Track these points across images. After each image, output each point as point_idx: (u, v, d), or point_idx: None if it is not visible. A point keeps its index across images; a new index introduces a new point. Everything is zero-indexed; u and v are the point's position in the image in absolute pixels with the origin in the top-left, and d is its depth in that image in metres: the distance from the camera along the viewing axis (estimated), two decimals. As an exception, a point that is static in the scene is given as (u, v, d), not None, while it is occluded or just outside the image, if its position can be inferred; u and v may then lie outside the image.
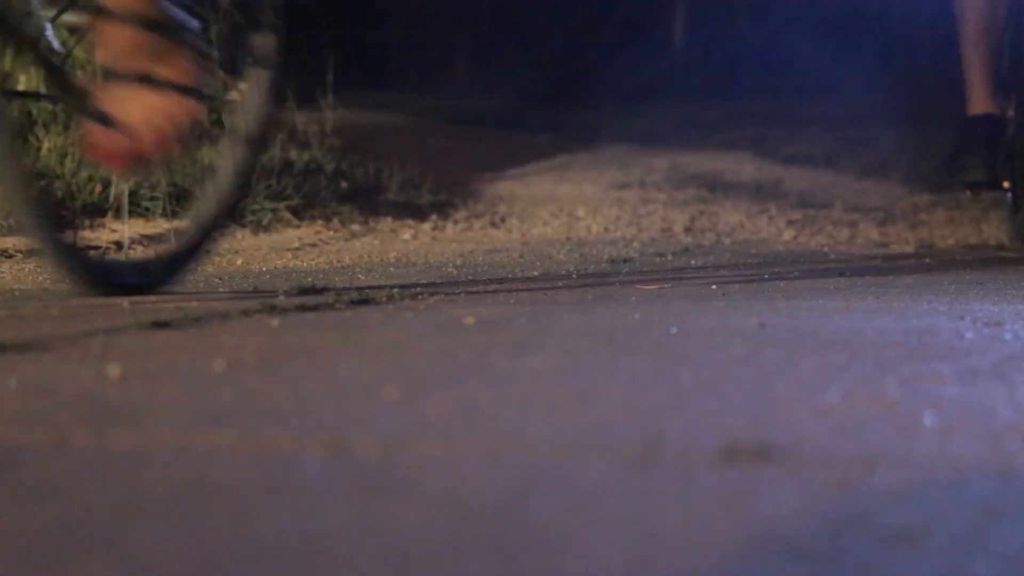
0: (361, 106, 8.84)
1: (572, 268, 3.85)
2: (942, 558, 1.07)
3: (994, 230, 5.60)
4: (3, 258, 4.19)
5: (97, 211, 4.98)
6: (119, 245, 4.63)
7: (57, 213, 4.79)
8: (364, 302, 2.89)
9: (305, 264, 4.04)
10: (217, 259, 4.21)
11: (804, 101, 10.39)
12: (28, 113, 6.00)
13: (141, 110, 2.99)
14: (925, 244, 5.13)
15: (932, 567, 1.05)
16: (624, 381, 1.87)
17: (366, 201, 5.91)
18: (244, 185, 3.11)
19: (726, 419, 1.61)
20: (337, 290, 3.10)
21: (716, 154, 8.09)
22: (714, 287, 3.29)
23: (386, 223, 5.55)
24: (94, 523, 1.16)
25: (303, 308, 2.74)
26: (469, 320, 2.52)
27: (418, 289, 3.19)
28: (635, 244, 4.90)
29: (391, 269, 3.84)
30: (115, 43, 3.00)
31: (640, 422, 1.58)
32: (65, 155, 5.31)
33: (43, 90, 6.22)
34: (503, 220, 5.71)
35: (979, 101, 4.88)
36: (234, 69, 3.72)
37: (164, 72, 3.03)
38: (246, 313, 2.65)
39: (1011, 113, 5.05)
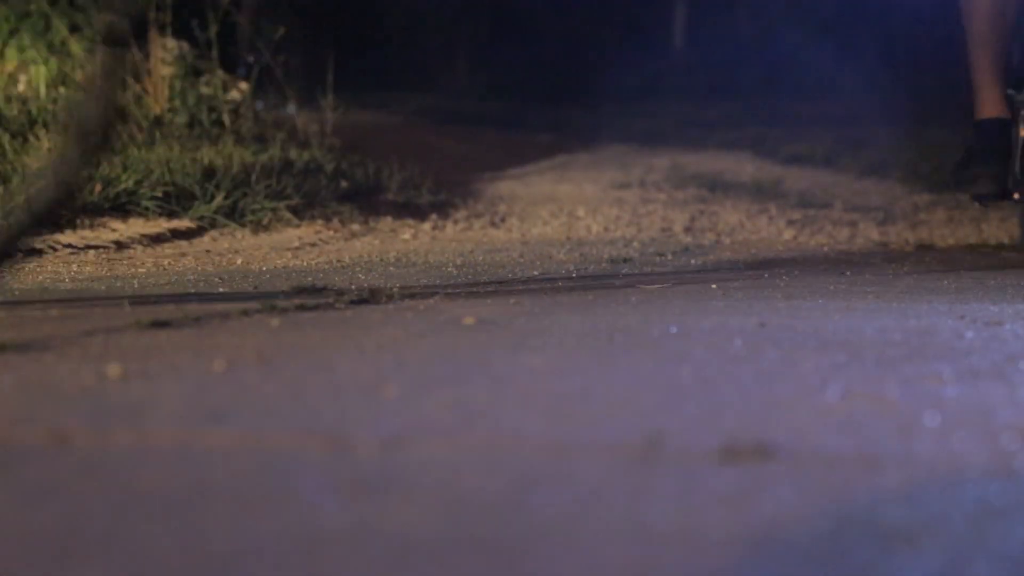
0: (361, 106, 8.84)
1: (572, 268, 3.85)
2: (942, 557, 1.07)
3: (994, 230, 5.60)
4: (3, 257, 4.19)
5: (96, 210, 4.97)
6: (119, 245, 4.62)
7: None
8: (364, 301, 2.89)
9: (305, 263, 4.04)
10: (217, 258, 4.21)
11: (804, 101, 10.39)
12: (28, 113, 6.00)
13: None
14: (925, 244, 5.13)
15: (932, 566, 1.05)
16: (624, 380, 1.87)
17: (366, 201, 5.90)
18: (68, 186, 2.59)
19: (726, 418, 1.61)
20: (337, 290, 3.10)
21: (716, 154, 8.09)
22: (714, 287, 3.29)
23: (386, 223, 5.55)
24: (94, 522, 1.16)
25: (303, 307, 2.74)
26: (469, 320, 2.52)
27: (418, 289, 3.19)
28: (635, 244, 4.90)
29: (391, 268, 3.83)
30: None
31: (640, 421, 1.58)
32: (65, 155, 5.31)
33: (45, 88, 6.23)
34: (503, 220, 5.71)
35: (988, 104, 4.68)
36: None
37: None
38: (246, 312, 2.65)
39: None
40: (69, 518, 1.17)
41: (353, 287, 3.21)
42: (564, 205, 6.19)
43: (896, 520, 1.17)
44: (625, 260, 4.15)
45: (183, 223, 5.06)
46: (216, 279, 3.49)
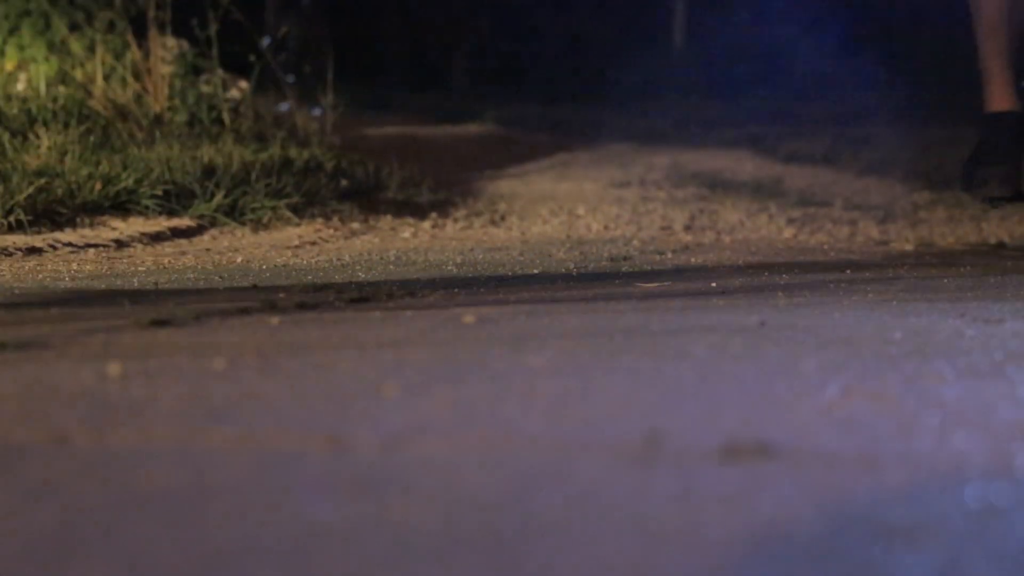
0: (361, 104, 8.84)
1: (572, 266, 3.85)
2: (942, 556, 1.07)
3: (994, 228, 5.60)
4: (3, 256, 4.19)
5: (96, 209, 4.97)
6: (119, 243, 4.62)
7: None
8: (364, 300, 2.89)
9: (305, 262, 4.03)
10: (217, 257, 4.21)
11: (804, 99, 10.38)
12: (28, 111, 6.00)
13: None
14: (925, 242, 5.13)
15: (932, 564, 1.05)
16: (624, 379, 1.87)
17: (366, 199, 5.90)
18: None
19: (726, 417, 1.61)
20: (337, 288, 3.10)
21: (716, 152, 8.09)
22: (714, 285, 3.29)
23: (386, 221, 5.55)
24: (94, 521, 1.16)
25: (303, 306, 2.74)
26: (469, 318, 2.52)
27: (418, 287, 3.19)
28: (635, 242, 4.90)
29: (391, 267, 3.83)
30: None
31: (640, 420, 1.58)
32: (65, 153, 5.31)
33: (45, 87, 6.23)
34: (503, 218, 5.70)
35: (998, 97, 4.31)
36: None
37: None
38: (246, 311, 2.65)
39: None
40: (69, 517, 1.17)
41: (353, 285, 3.21)
42: (564, 204, 6.19)
43: (896, 519, 1.17)
44: (625, 258, 4.15)
45: (183, 221, 5.06)
46: (216, 277, 3.49)
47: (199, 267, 3.86)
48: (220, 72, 6.42)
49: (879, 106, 9.86)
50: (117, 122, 6.04)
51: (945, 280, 3.55)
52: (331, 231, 5.22)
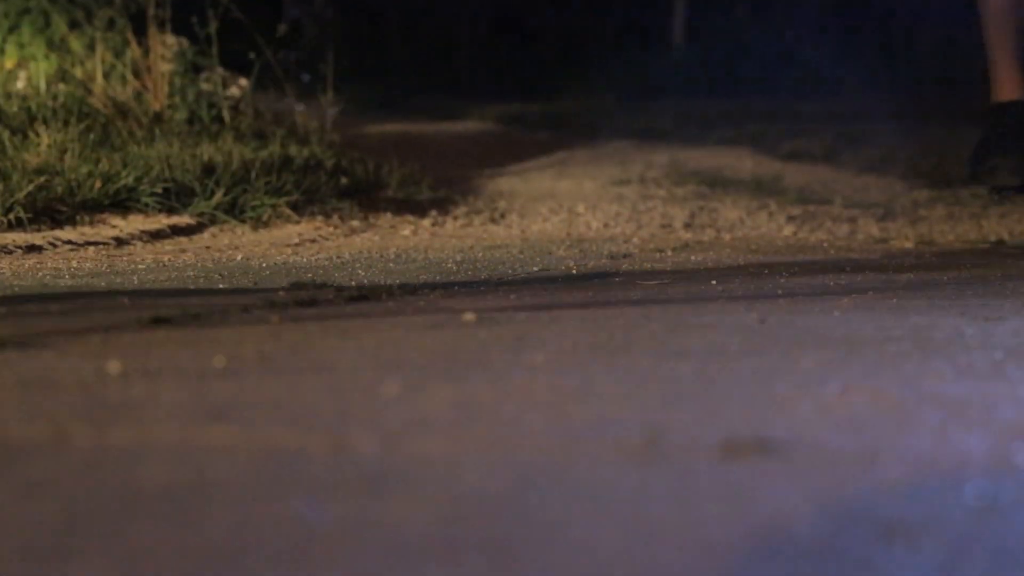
0: (361, 103, 8.84)
1: (572, 264, 3.85)
2: (941, 553, 1.07)
3: (994, 226, 5.60)
4: (3, 254, 4.19)
5: (96, 207, 4.97)
6: (119, 241, 4.62)
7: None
8: (364, 298, 2.88)
9: (305, 260, 4.03)
10: (217, 255, 4.21)
11: (803, 97, 10.38)
12: (28, 109, 6.00)
13: None
14: (925, 240, 5.13)
15: (931, 562, 1.05)
16: (624, 377, 1.87)
17: (366, 197, 5.90)
18: None
19: (726, 415, 1.61)
20: (337, 286, 3.10)
21: (716, 150, 8.09)
22: (714, 283, 3.29)
23: (386, 219, 5.54)
24: (94, 519, 1.16)
25: (303, 304, 2.74)
26: (469, 316, 2.52)
27: (418, 285, 3.19)
28: (635, 240, 4.89)
29: (391, 265, 3.83)
30: None
31: (640, 418, 1.58)
32: (65, 151, 5.31)
33: (45, 85, 6.23)
34: (503, 216, 5.70)
35: (1007, 85, 4.15)
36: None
37: None
38: (246, 309, 2.65)
39: None
40: (69, 515, 1.17)
41: (353, 283, 3.21)
42: (564, 201, 6.18)
43: (896, 517, 1.17)
44: (625, 256, 4.15)
45: (183, 219, 5.05)
46: (216, 275, 3.49)
47: (199, 265, 3.86)
48: (220, 70, 6.42)
49: (879, 104, 9.86)
50: (117, 120, 6.04)
51: (945, 278, 3.55)
52: (331, 229, 5.22)
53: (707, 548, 1.08)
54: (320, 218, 5.42)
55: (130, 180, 5.09)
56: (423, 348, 2.14)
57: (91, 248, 4.47)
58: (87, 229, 4.79)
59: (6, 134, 5.51)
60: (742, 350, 2.11)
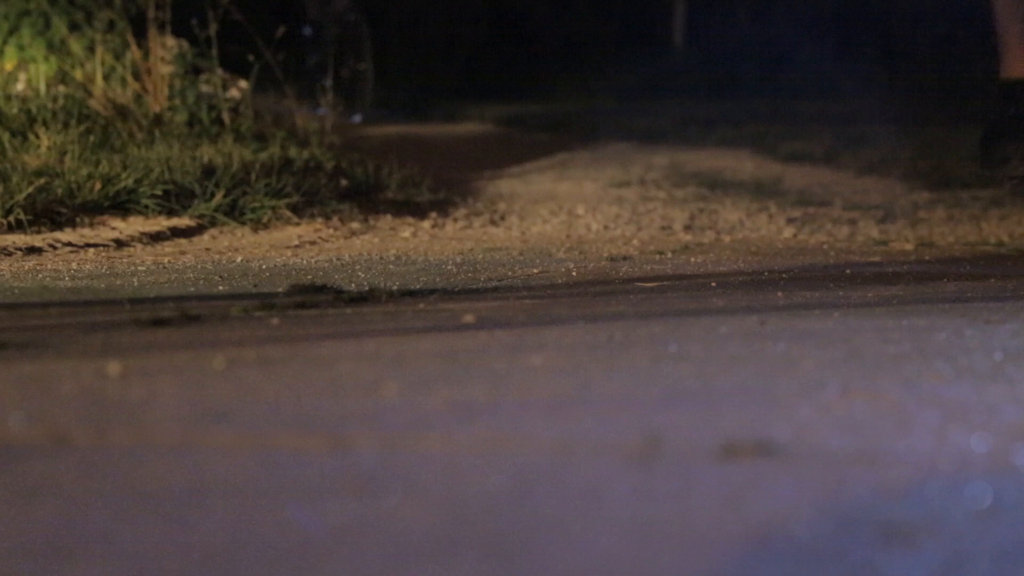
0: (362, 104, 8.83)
1: (572, 266, 3.85)
2: (941, 554, 1.07)
3: (994, 228, 5.60)
4: (3, 256, 4.19)
5: (96, 209, 4.97)
6: (119, 243, 4.62)
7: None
8: (364, 300, 2.88)
9: (305, 262, 4.03)
10: (217, 256, 4.21)
11: (804, 99, 10.38)
12: (28, 111, 6.00)
13: None
14: (925, 242, 5.12)
15: (931, 563, 1.05)
16: (623, 378, 1.86)
17: (366, 199, 5.89)
18: None
19: (726, 417, 1.61)
20: (336, 288, 3.10)
21: (716, 152, 8.09)
22: (714, 285, 3.29)
23: (386, 221, 5.54)
24: (94, 521, 1.16)
25: (303, 306, 2.74)
26: (469, 318, 2.52)
27: (418, 287, 3.19)
28: (635, 242, 4.89)
29: (391, 267, 3.83)
30: None
31: (639, 419, 1.58)
32: (65, 153, 5.31)
33: (45, 87, 6.23)
34: (503, 218, 5.70)
35: (1015, 63, 3.92)
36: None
37: None
38: (246, 311, 2.65)
39: None
40: (68, 516, 1.17)
41: (353, 285, 3.21)
42: (564, 203, 6.18)
43: (896, 518, 1.17)
44: (625, 258, 4.14)
45: (183, 221, 5.05)
46: (216, 277, 3.49)
47: (199, 267, 3.86)
48: (220, 72, 6.41)
49: (879, 106, 9.85)
50: (117, 122, 6.04)
51: (945, 280, 3.55)
52: (331, 231, 5.21)
53: (707, 549, 1.08)
54: (320, 220, 5.42)
55: (130, 182, 5.09)
56: (423, 349, 2.14)
57: (91, 250, 4.47)
58: (87, 231, 4.79)
59: (6, 136, 5.51)
60: (742, 352, 2.11)
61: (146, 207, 5.09)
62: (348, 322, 2.53)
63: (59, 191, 4.92)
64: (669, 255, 4.34)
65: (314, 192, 5.61)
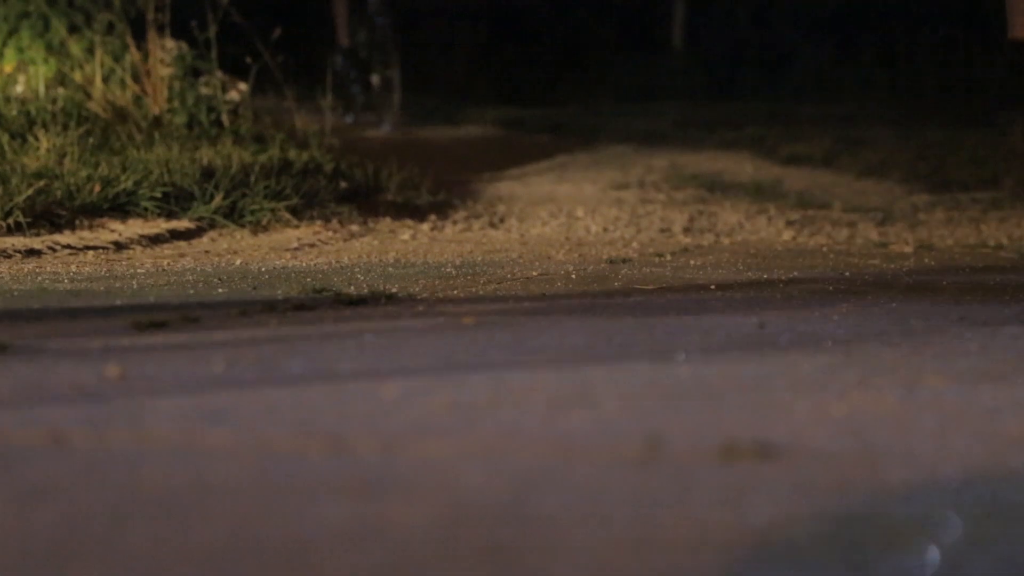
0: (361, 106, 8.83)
1: (571, 268, 3.85)
2: (941, 554, 1.07)
3: (993, 231, 5.60)
4: (2, 258, 4.18)
5: (95, 211, 4.97)
6: (118, 245, 4.62)
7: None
8: (363, 302, 2.88)
9: (304, 264, 4.03)
10: (216, 259, 4.21)
11: (803, 102, 10.38)
12: (27, 113, 6.00)
13: None
14: (924, 244, 5.12)
15: (931, 563, 1.05)
16: (623, 380, 1.86)
17: (365, 201, 5.89)
18: None
19: (725, 418, 1.61)
20: (336, 290, 3.10)
21: (715, 154, 8.09)
22: (713, 287, 3.29)
23: (385, 223, 5.54)
24: (94, 521, 1.16)
25: (302, 307, 2.74)
26: (468, 320, 2.51)
27: (417, 289, 3.19)
28: (634, 244, 4.89)
29: (390, 269, 3.83)
30: None
31: (639, 421, 1.58)
32: (64, 155, 5.31)
33: (44, 88, 6.23)
34: (502, 220, 5.70)
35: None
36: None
37: None
38: (245, 313, 2.65)
39: None
40: (69, 517, 1.17)
41: (352, 288, 3.21)
42: (563, 205, 6.18)
43: (895, 519, 1.17)
44: (624, 260, 4.14)
45: (182, 223, 5.05)
46: (215, 279, 3.48)
47: (198, 269, 3.85)
48: (219, 74, 6.41)
49: (878, 108, 9.85)
50: (116, 124, 6.04)
51: (944, 282, 3.55)
52: (330, 233, 5.21)
53: (706, 551, 1.08)
54: (319, 222, 5.42)
55: (129, 184, 5.09)
56: (422, 351, 2.14)
57: (90, 252, 4.47)
58: (86, 233, 4.79)
59: (5, 138, 5.51)
60: (741, 353, 2.11)
61: (145, 209, 5.09)
62: (348, 324, 2.53)
63: (58, 193, 4.92)
64: (668, 257, 4.35)
65: (313, 194, 5.61)
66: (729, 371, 1.94)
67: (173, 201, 5.17)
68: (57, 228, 4.80)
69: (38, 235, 4.65)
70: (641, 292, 3.19)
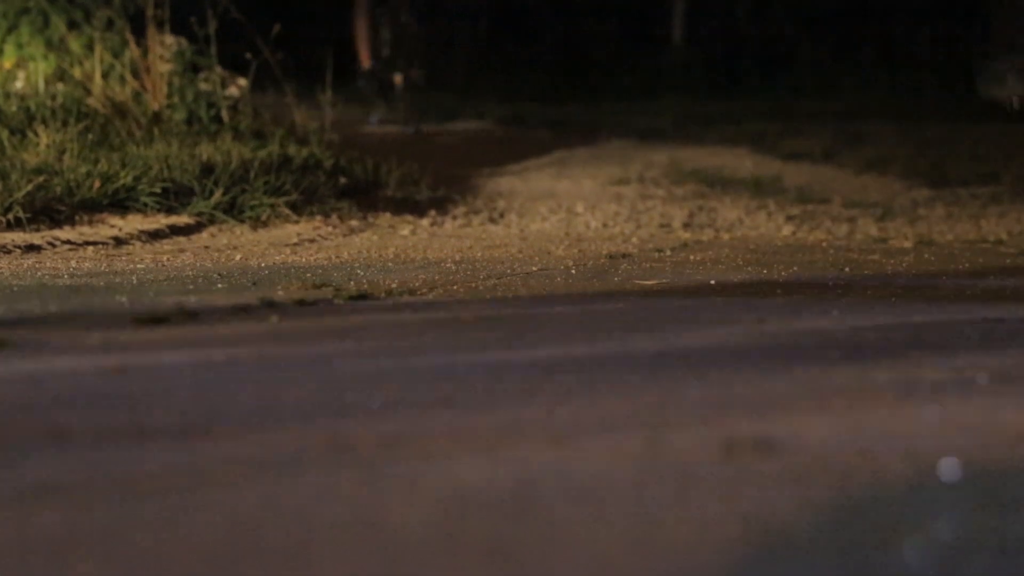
0: (362, 102, 8.83)
1: (571, 264, 3.85)
2: (940, 553, 1.07)
3: (993, 226, 5.60)
4: (2, 254, 4.18)
5: (95, 207, 4.96)
6: (118, 241, 4.62)
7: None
8: (363, 298, 2.88)
9: (304, 260, 4.03)
10: (216, 254, 4.21)
11: (803, 97, 10.38)
12: (27, 109, 6.00)
13: None
14: (924, 239, 5.12)
15: (931, 562, 1.05)
16: (623, 377, 1.86)
17: (365, 197, 5.88)
18: None
19: (725, 415, 1.61)
20: (336, 286, 3.09)
21: (715, 150, 8.09)
22: (713, 283, 3.28)
23: (384, 219, 5.53)
24: (94, 521, 1.16)
25: (302, 303, 2.74)
26: (468, 316, 2.51)
27: (417, 284, 3.18)
28: (634, 240, 4.89)
29: (390, 265, 3.82)
30: None
31: (639, 418, 1.58)
32: (64, 151, 5.31)
33: (44, 84, 6.22)
34: (502, 216, 5.69)
35: None
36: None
37: None
38: (245, 309, 2.64)
39: None
40: (69, 517, 1.17)
41: (352, 283, 3.21)
42: (563, 201, 6.18)
43: (895, 517, 1.17)
44: (624, 256, 4.14)
45: (182, 219, 5.04)
46: (215, 275, 3.48)
47: (198, 265, 3.85)
48: (219, 70, 6.41)
49: (878, 104, 9.85)
50: (116, 120, 6.03)
51: (944, 278, 3.55)
52: (330, 229, 5.21)
53: (707, 549, 1.08)
54: (319, 218, 5.42)
55: (129, 180, 5.09)
56: (422, 347, 2.14)
57: (90, 248, 4.46)
58: (86, 229, 4.79)
59: (5, 134, 5.51)
60: (741, 350, 2.11)
61: (145, 205, 5.09)
62: (347, 320, 2.53)
63: (58, 189, 4.92)
64: (668, 253, 4.34)
65: (313, 190, 5.61)
66: (729, 366, 1.94)
67: (173, 197, 5.17)
68: (57, 224, 4.80)
69: (38, 231, 4.64)
70: (640, 287, 3.19)
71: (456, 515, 1.17)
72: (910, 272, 3.72)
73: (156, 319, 2.43)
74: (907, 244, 4.92)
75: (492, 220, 5.70)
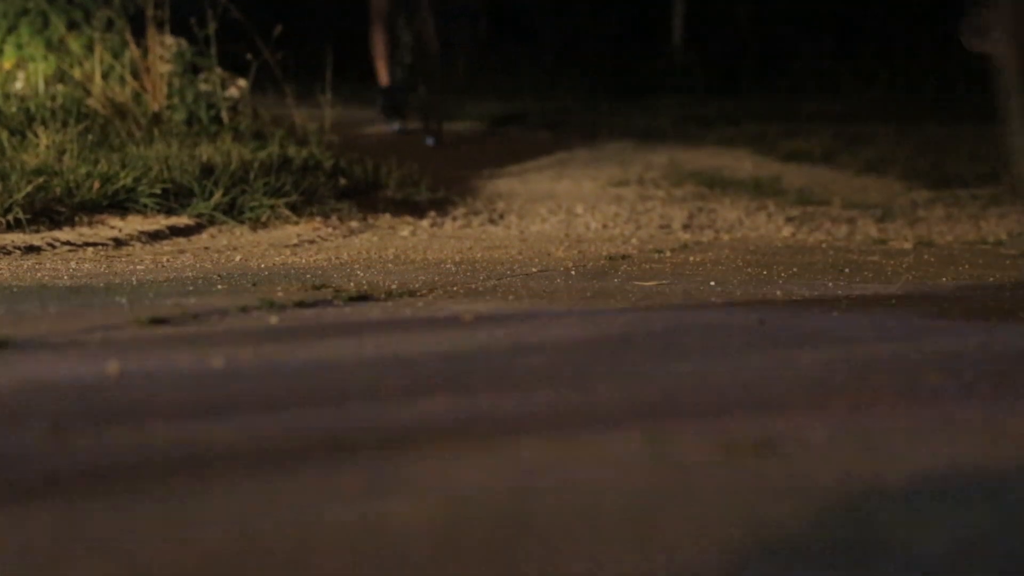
0: (360, 102, 8.83)
1: (571, 265, 3.85)
2: (940, 552, 1.07)
3: (993, 227, 5.60)
4: (1, 255, 4.18)
5: (95, 207, 4.97)
6: (118, 242, 4.62)
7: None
8: (363, 299, 2.88)
9: (304, 261, 4.03)
10: (215, 255, 4.21)
11: (803, 97, 10.39)
12: (27, 110, 6.00)
13: None
14: (924, 241, 5.12)
15: (931, 563, 1.05)
16: (623, 377, 1.86)
17: (364, 198, 5.89)
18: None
19: (725, 416, 1.61)
20: (335, 287, 3.10)
21: (715, 151, 8.10)
22: (712, 284, 3.29)
23: (384, 220, 5.54)
24: (94, 521, 1.16)
25: (302, 304, 2.74)
26: (468, 317, 2.52)
27: (417, 286, 3.19)
28: (633, 241, 4.89)
29: (390, 266, 3.83)
30: None
31: (639, 419, 1.58)
32: (64, 152, 5.31)
33: (44, 85, 6.22)
34: (502, 217, 5.70)
35: None
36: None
37: None
38: (244, 310, 2.65)
39: None
40: (69, 517, 1.17)
41: (352, 284, 3.21)
42: (563, 202, 6.18)
43: (896, 517, 1.17)
44: (624, 257, 4.14)
45: (182, 220, 5.05)
46: (215, 276, 3.48)
47: (198, 266, 3.86)
48: (219, 70, 6.42)
49: (878, 104, 9.85)
50: (115, 120, 6.04)
51: (944, 279, 3.55)
52: (330, 230, 5.21)
53: (707, 549, 1.08)
54: (319, 219, 5.42)
55: (129, 181, 5.09)
56: (422, 348, 2.14)
57: (90, 249, 4.47)
58: (86, 230, 4.79)
59: (4, 135, 5.51)
60: (742, 350, 2.11)
61: (145, 206, 5.09)
62: (347, 321, 2.53)
63: (58, 190, 4.92)
64: (668, 254, 4.34)
65: (313, 191, 5.61)
66: (729, 367, 1.94)
67: (173, 198, 5.17)
68: (56, 225, 4.80)
69: (37, 232, 4.65)
70: (640, 289, 3.19)
71: (455, 517, 1.17)
72: (910, 273, 3.72)
73: (156, 320, 2.43)
74: (907, 245, 4.92)
75: (492, 221, 5.71)
